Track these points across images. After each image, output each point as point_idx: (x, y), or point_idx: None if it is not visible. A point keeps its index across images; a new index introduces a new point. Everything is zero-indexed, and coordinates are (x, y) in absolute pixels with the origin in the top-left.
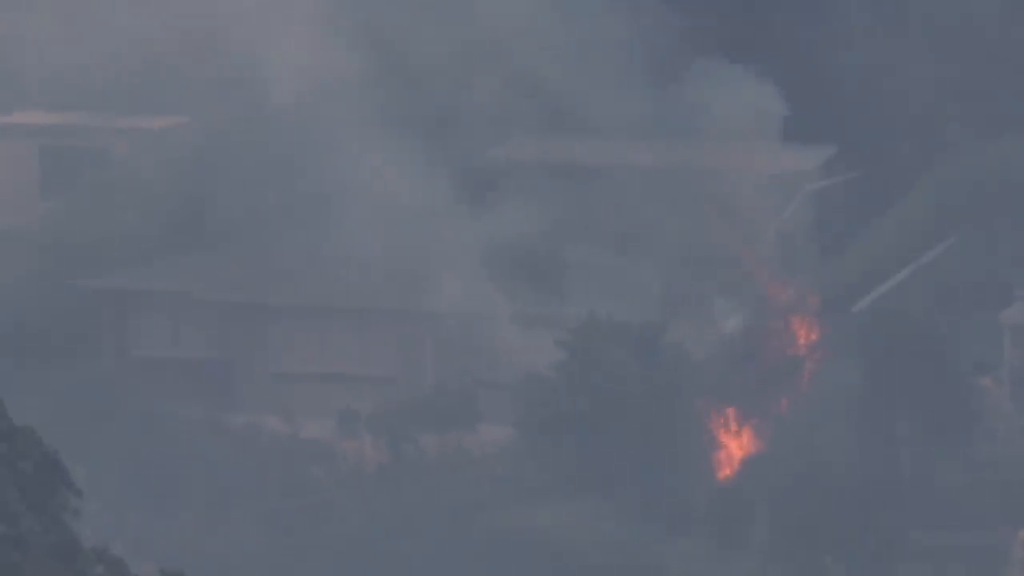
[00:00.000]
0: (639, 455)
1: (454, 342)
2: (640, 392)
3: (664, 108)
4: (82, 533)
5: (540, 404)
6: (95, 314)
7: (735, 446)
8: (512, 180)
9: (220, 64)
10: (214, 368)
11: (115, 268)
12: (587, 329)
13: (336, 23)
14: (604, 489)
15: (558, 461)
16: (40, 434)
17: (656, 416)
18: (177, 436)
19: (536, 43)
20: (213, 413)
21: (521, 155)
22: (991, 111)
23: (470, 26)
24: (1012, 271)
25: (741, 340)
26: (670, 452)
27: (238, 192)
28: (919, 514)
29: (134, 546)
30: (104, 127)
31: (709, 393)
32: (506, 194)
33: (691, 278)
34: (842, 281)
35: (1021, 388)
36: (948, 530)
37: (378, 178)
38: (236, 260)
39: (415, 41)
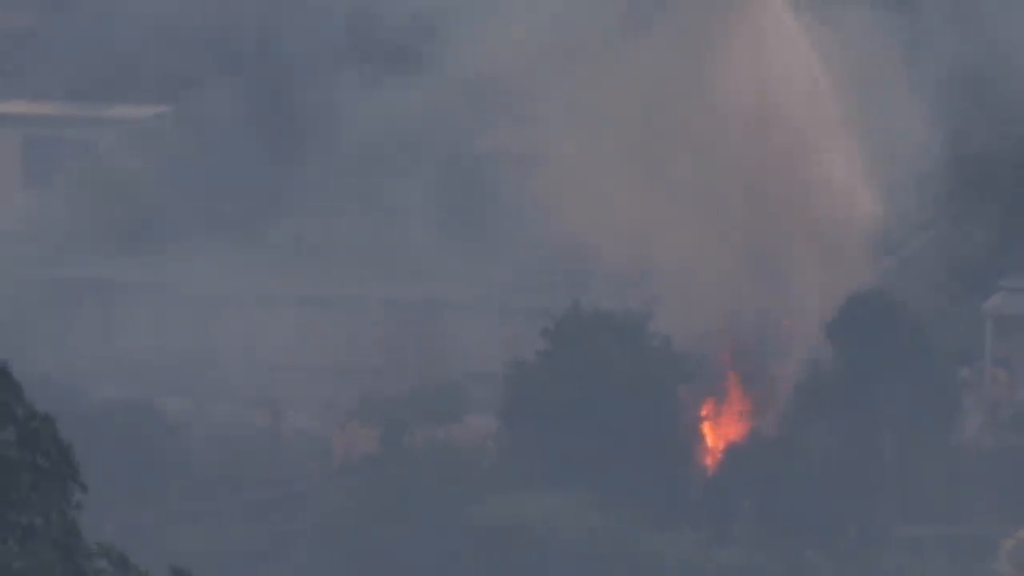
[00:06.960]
0: (624, 445)
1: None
2: (624, 381)
3: None
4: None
5: (525, 393)
6: (77, 305)
7: (718, 436)
8: None
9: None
10: (197, 358)
11: (97, 259)
12: (571, 318)
13: None
14: (589, 479)
15: (543, 451)
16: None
17: (640, 405)
18: (160, 429)
19: None
20: (196, 404)
21: None
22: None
23: None
24: (994, 260)
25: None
26: (655, 442)
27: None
28: (902, 504)
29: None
30: (87, 117)
31: (692, 382)
32: None
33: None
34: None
35: (1002, 378)
36: (930, 521)
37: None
38: (220, 250)
39: None
